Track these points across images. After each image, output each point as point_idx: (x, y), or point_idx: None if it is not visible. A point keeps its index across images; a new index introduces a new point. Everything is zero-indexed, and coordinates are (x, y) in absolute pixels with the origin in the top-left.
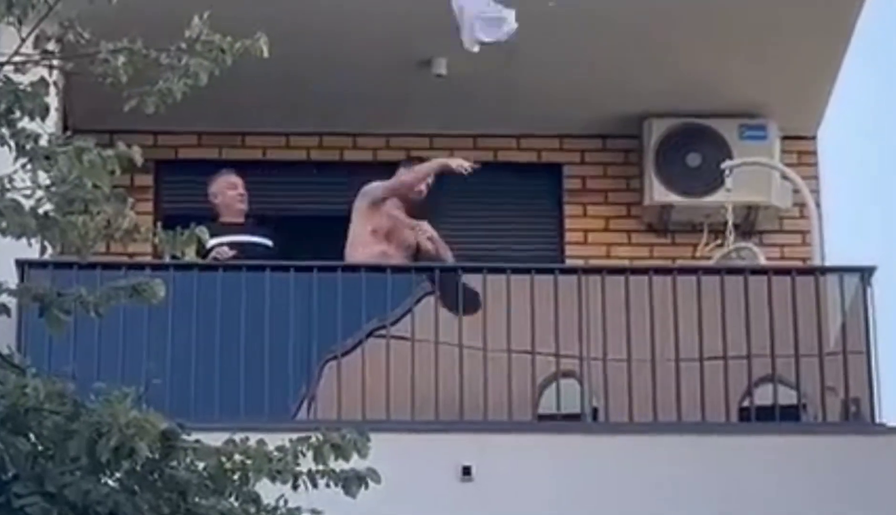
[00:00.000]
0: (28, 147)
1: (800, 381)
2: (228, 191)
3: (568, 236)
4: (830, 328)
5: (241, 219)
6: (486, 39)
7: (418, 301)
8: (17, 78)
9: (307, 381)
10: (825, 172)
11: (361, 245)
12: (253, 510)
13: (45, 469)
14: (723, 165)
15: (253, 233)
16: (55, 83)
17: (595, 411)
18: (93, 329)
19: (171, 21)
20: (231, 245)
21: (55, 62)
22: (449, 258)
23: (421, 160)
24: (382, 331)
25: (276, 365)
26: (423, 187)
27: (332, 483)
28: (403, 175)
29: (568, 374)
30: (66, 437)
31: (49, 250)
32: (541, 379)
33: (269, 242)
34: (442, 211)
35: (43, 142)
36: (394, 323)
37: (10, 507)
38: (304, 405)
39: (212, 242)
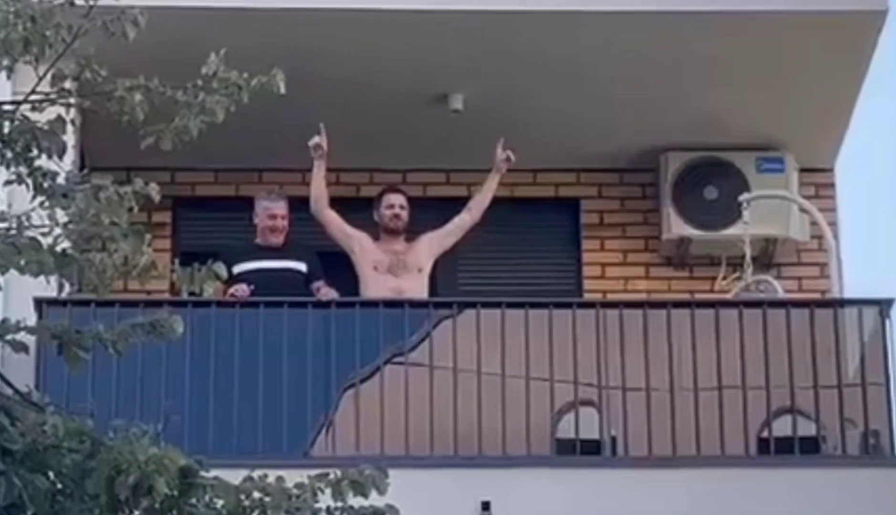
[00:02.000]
0: (46, 185)
1: (819, 413)
2: (266, 219)
3: (586, 270)
4: (849, 360)
5: (267, 244)
6: None
7: (436, 325)
8: (34, 116)
9: (325, 417)
10: (843, 205)
11: (372, 286)
12: None
13: (64, 507)
14: (740, 198)
15: (287, 258)
16: (72, 121)
17: (614, 440)
18: (111, 366)
19: (187, 58)
20: (262, 270)
21: (72, 100)
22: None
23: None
24: (401, 358)
25: (295, 402)
26: (398, 212)
27: None
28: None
29: (586, 403)
30: (85, 475)
31: (67, 288)
32: (559, 407)
33: (302, 267)
34: (460, 246)
35: (60, 179)
36: (412, 349)
37: None
38: (323, 433)
39: (242, 267)
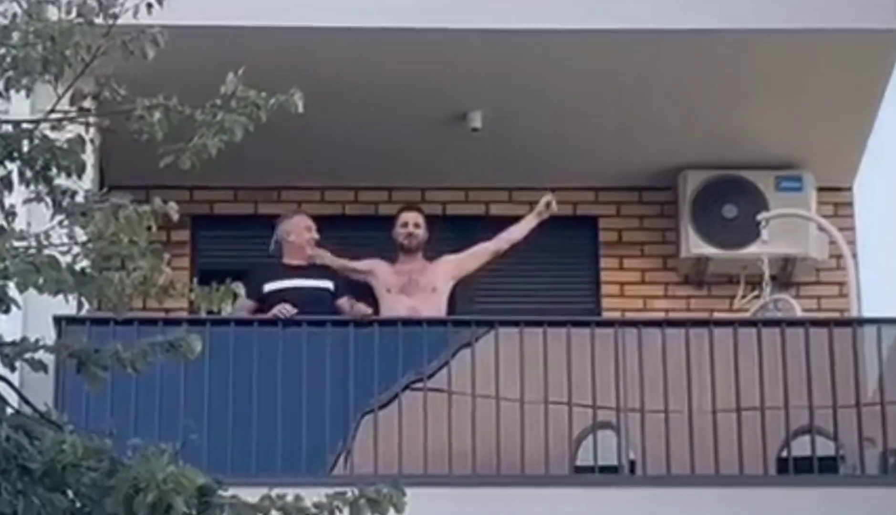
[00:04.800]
0: (65, 203)
1: (838, 433)
2: (305, 232)
3: (604, 289)
4: (868, 379)
5: (304, 263)
6: None
7: (454, 354)
8: (53, 135)
9: (344, 436)
10: (861, 223)
11: (385, 307)
12: None
13: None
14: (759, 217)
15: (314, 277)
16: (91, 140)
17: (632, 463)
18: (130, 385)
19: (206, 77)
20: (293, 288)
21: (91, 119)
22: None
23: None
24: (419, 384)
25: (313, 420)
26: (412, 230)
27: None
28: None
29: (605, 425)
30: (104, 494)
31: (86, 306)
32: (578, 432)
33: (330, 285)
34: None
35: (79, 198)
36: (430, 375)
37: None
38: (341, 459)
39: (272, 286)
